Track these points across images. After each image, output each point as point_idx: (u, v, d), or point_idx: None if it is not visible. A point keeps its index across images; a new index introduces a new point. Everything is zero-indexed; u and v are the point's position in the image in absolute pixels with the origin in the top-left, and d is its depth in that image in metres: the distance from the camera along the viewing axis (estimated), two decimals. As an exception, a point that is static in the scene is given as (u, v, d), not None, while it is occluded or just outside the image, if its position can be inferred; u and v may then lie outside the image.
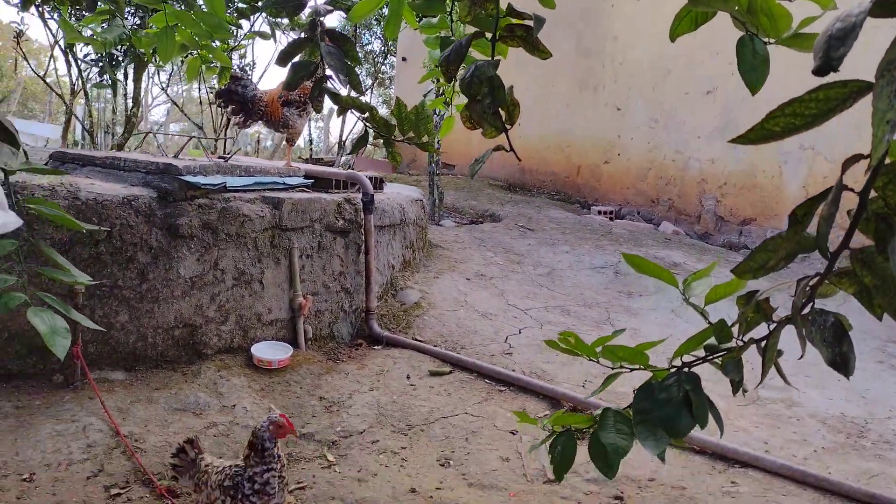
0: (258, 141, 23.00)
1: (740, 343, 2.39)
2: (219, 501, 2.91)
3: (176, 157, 5.69)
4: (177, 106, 14.85)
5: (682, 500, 3.73)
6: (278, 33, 6.44)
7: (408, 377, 5.23)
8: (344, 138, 17.45)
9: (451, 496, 3.83)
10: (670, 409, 2.44)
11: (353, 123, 20.06)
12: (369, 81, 18.57)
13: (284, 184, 5.70)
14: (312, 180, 6.11)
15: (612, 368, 2.79)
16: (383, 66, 19.71)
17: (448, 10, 2.96)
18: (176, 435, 4.23)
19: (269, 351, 5.16)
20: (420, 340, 5.82)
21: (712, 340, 2.55)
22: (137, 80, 11.64)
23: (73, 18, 8.70)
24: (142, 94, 12.46)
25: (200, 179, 4.95)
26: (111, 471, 3.87)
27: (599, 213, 11.31)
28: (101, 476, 3.82)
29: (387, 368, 5.34)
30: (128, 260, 4.73)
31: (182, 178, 4.88)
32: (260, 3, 4.27)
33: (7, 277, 3.05)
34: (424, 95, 8.46)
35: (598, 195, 12.10)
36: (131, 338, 4.80)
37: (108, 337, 4.74)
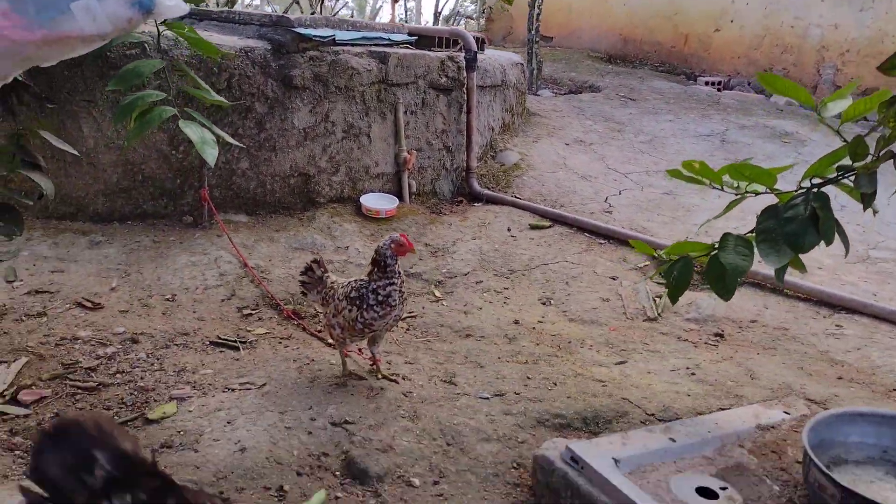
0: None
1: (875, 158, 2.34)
2: (346, 311, 3.18)
3: (286, 12, 5.79)
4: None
5: (784, 339, 3.77)
6: None
7: (508, 230, 5.37)
8: (439, 9, 17.07)
9: (553, 328, 4.02)
10: (796, 226, 2.45)
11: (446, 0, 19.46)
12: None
13: (389, 40, 5.73)
14: (416, 38, 6.11)
15: (737, 194, 2.80)
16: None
17: None
18: (297, 269, 4.57)
19: (377, 201, 5.40)
20: (519, 199, 5.91)
21: (845, 161, 2.51)
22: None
23: None
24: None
25: (311, 31, 5.05)
26: (242, 295, 4.26)
27: (706, 83, 10.79)
28: (233, 299, 4.22)
29: (488, 222, 5.49)
30: (246, 110, 4.97)
31: (294, 29, 5.00)
32: None
33: (158, 93, 3.30)
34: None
35: (706, 66, 11.50)
36: (251, 184, 5.12)
37: (230, 183, 5.08)
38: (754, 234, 2.59)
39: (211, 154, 3.03)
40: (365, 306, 3.13)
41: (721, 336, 3.85)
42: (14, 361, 3.33)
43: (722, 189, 2.75)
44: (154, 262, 4.46)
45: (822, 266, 4.75)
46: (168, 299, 4.13)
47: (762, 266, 4.45)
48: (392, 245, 3.12)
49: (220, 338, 3.75)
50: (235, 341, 3.73)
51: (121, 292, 4.13)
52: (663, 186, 6.42)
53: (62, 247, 4.51)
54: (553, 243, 5.18)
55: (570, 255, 4.98)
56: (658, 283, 4.54)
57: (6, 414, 2.95)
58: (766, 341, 3.79)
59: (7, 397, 3.07)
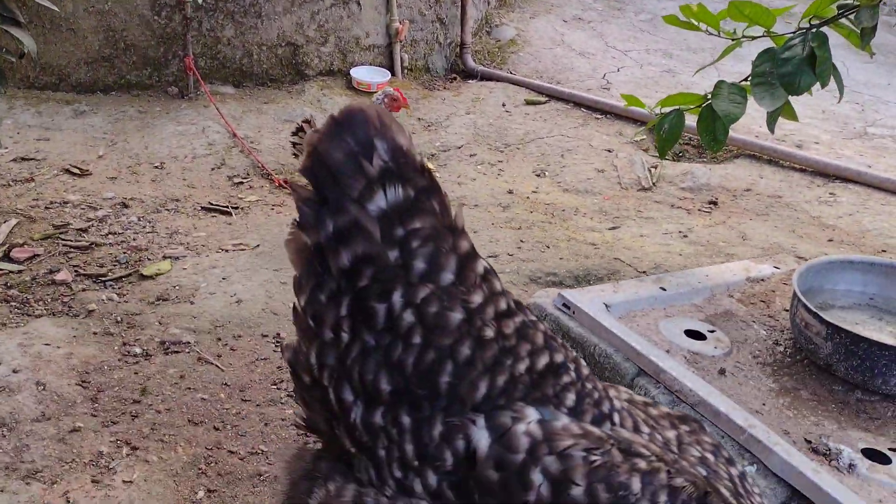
0: None
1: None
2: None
3: None
4: None
5: (778, 206, 3.78)
6: None
7: (503, 105, 5.26)
8: None
9: (547, 198, 4.01)
10: (791, 67, 2.39)
11: None
12: None
13: None
14: None
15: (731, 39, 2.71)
16: None
17: None
18: (287, 141, 4.48)
19: (368, 74, 5.24)
20: (514, 75, 5.76)
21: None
22: None
23: None
24: None
25: None
26: (232, 164, 4.20)
27: (710, -36, 10.33)
28: (223, 168, 4.16)
29: (482, 97, 5.37)
30: (229, -29, 4.72)
31: None
32: None
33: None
34: None
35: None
36: (238, 53, 4.94)
37: (216, 52, 4.90)
38: (749, 81, 2.54)
39: None
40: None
41: (715, 203, 3.85)
42: (4, 223, 3.31)
43: (719, 34, 2.66)
44: (141, 132, 4.36)
45: (818, 141, 4.70)
46: (157, 167, 4.06)
47: (759, 138, 4.41)
48: (385, 99, 3.05)
49: (211, 203, 3.72)
50: (227, 207, 3.70)
51: (108, 160, 4.06)
52: (662, 65, 6.25)
53: (46, 115, 4.40)
54: (549, 118, 5.09)
55: (566, 129, 4.90)
56: (654, 157, 4.51)
57: (0, 270, 2.95)
58: (760, 208, 3.80)
59: (1, 254, 3.06)
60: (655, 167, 4.28)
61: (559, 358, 1.17)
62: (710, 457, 1.21)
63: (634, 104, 2.92)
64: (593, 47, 6.50)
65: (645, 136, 4.66)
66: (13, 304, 2.73)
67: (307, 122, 3.40)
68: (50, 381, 2.21)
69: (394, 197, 1.05)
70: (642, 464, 1.07)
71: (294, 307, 1.14)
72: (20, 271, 2.96)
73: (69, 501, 1.81)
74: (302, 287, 1.12)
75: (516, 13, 6.96)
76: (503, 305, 1.14)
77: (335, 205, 1.06)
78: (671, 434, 1.23)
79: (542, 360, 1.14)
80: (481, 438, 1.07)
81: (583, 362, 1.24)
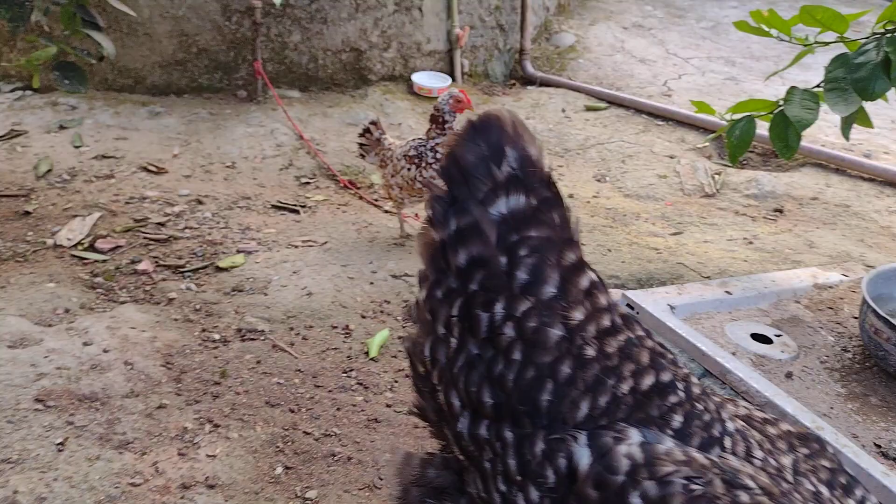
0: None
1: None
2: (404, 170, 3.23)
3: None
4: None
5: (846, 215, 3.72)
6: None
7: (563, 110, 5.29)
8: None
9: (608, 202, 4.02)
10: (865, 73, 2.37)
11: None
12: None
13: None
14: None
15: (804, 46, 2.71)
16: None
17: None
18: (352, 143, 4.60)
19: (428, 79, 5.34)
20: (574, 81, 5.78)
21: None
22: None
23: None
24: None
25: None
26: (299, 165, 4.34)
27: (773, -29, 10.16)
28: (291, 169, 4.30)
29: (541, 102, 5.41)
30: (298, -21, 4.88)
31: None
32: None
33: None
34: None
35: (774, -47, 10.80)
36: (304, 58, 5.10)
37: (283, 57, 5.06)
38: (822, 86, 2.53)
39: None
40: (423, 164, 3.16)
41: (780, 211, 3.81)
42: (88, 215, 3.49)
43: (790, 40, 2.66)
44: (213, 133, 4.54)
45: (888, 151, 4.59)
46: (228, 166, 4.23)
47: (826, 147, 4.34)
48: (451, 101, 3.12)
49: (280, 202, 3.85)
50: (295, 205, 3.83)
51: (183, 159, 4.24)
52: (725, 72, 6.19)
53: (124, 116, 4.61)
54: (609, 124, 5.10)
55: (627, 135, 4.91)
56: (717, 164, 4.48)
57: (86, 259, 3.12)
58: (827, 217, 3.74)
59: (86, 245, 3.24)
60: (719, 174, 4.26)
61: (666, 377, 1.14)
62: (825, 490, 1.15)
63: (704, 110, 2.93)
64: (654, 54, 6.48)
65: (709, 144, 4.63)
66: (99, 290, 2.89)
67: (374, 123, 3.49)
68: (137, 362, 2.34)
69: (515, 204, 1.07)
70: (744, 498, 1.03)
71: (416, 299, 1.18)
72: (105, 261, 3.12)
73: (158, 471, 1.92)
74: (425, 280, 1.15)
75: (575, 20, 6.99)
76: (606, 322, 1.12)
77: (461, 205, 1.09)
78: (787, 460, 1.17)
79: (648, 380, 1.12)
80: (582, 457, 1.07)
81: (694, 380, 1.20)
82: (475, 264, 1.08)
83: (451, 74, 5.58)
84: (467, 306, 1.10)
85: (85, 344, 2.39)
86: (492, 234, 1.06)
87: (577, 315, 1.09)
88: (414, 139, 3.28)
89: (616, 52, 6.38)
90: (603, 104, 5.38)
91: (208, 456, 2.00)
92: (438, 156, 3.13)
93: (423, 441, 2.17)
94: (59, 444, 1.96)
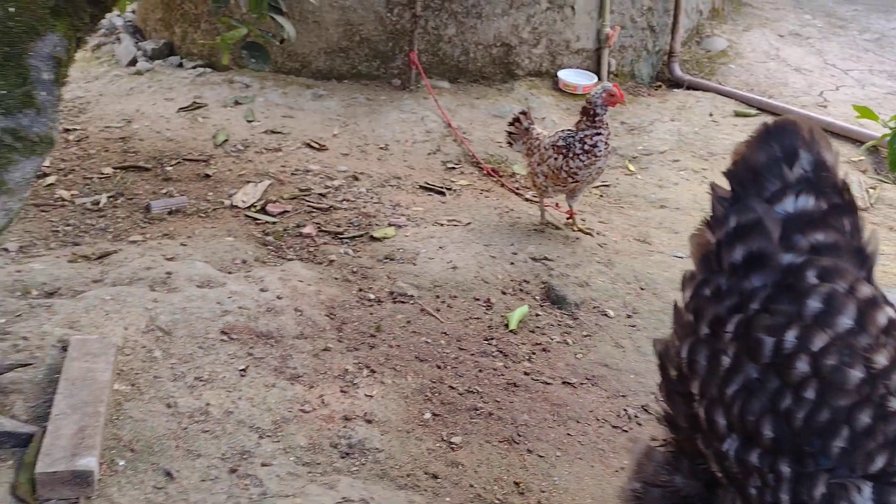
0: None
1: None
2: (551, 159, 3.35)
3: None
4: None
5: None
6: None
7: (710, 115, 5.22)
8: None
9: (752, 208, 3.96)
10: None
11: None
12: None
13: None
14: None
15: None
16: None
17: None
18: (496, 133, 4.79)
19: (574, 77, 5.43)
20: (724, 86, 5.68)
21: None
22: None
23: None
24: None
25: None
26: (446, 151, 4.57)
27: (954, -18, 9.40)
28: (438, 154, 4.54)
29: (688, 105, 5.36)
30: (458, -26, 5.12)
31: None
32: None
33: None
34: None
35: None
36: (456, 51, 5.33)
37: (437, 49, 5.32)
38: None
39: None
40: (571, 155, 3.27)
41: (941, 229, 3.63)
42: (260, 182, 3.87)
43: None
44: (368, 117, 4.86)
45: None
46: (382, 148, 4.52)
47: None
48: (604, 94, 3.21)
49: (427, 183, 4.09)
50: (441, 188, 4.05)
51: (341, 139, 4.58)
52: (888, 87, 5.86)
53: (290, 97, 5.02)
54: (757, 131, 4.98)
55: (775, 143, 4.78)
56: (872, 178, 4.30)
57: (258, 219, 3.48)
58: None
59: (258, 207, 3.60)
60: (874, 188, 4.09)
61: None
62: None
63: (867, 116, 2.86)
64: (810, 64, 6.24)
65: (865, 157, 4.45)
66: (270, 247, 3.23)
67: (524, 113, 3.64)
68: (305, 309, 2.62)
69: (804, 205, 1.06)
70: None
71: (675, 304, 1.19)
72: (274, 223, 3.47)
73: (324, 402, 2.17)
74: (690, 282, 1.15)
75: (728, 25, 6.83)
76: None
77: (744, 203, 1.10)
78: None
79: None
80: None
81: None
82: (754, 259, 1.05)
83: (598, 73, 5.63)
84: (748, 327, 1.05)
85: (261, 290, 2.69)
86: (775, 231, 1.04)
87: (881, 359, 1.01)
88: (563, 130, 3.40)
89: (770, 60, 6.19)
90: (753, 111, 5.25)
91: (366, 395, 2.23)
92: (586, 147, 3.23)
93: (559, 409, 2.31)
94: (241, 371, 2.25)
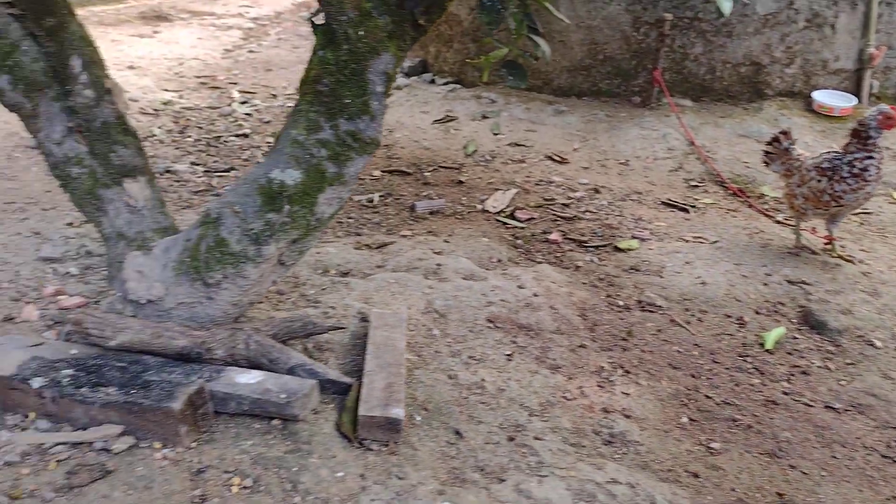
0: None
1: None
2: (813, 181, 3.24)
3: None
4: None
5: None
6: None
7: None
8: None
9: None
10: None
11: None
12: None
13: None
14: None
15: None
16: None
17: None
18: (742, 153, 4.68)
19: (830, 98, 5.12)
20: None
21: None
22: None
23: None
24: None
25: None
26: (688, 169, 4.55)
27: None
28: (680, 171, 4.53)
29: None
30: (710, -6, 5.07)
31: None
32: None
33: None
34: None
35: None
36: (702, 69, 5.27)
37: (681, 67, 5.30)
38: None
39: (726, 5, 3.19)
40: (836, 178, 3.14)
41: None
42: (507, 190, 4.14)
43: None
44: (608, 133, 4.98)
45: None
46: (622, 163, 4.62)
47: None
48: (880, 116, 3.04)
49: (669, 199, 4.11)
50: (685, 204, 4.05)
51: (581, 153, 4.74)
52: None
53: (533, 112, 5.29)
54: None
55: None
56: None
57: (508, 224, 3.74)
58: None
59: (507, 213, 3.87)
60: None
61: None
62: None
63: None
64: None
65: None
66: (520, 250, 3.46)
67: (784, 133, 3.54)
68: (559, 308, 2.80)
69: None
70: None
71: None
72: (522, 228, 3.70)
73: (583, 393, 2.32)
74: None
75: None
76: None
77: None
78: None
79: None
80: None
81: None
82: None
83: (857, 95, 5.27)
84: None
85: (518, 287, 2.92)
86: None
87: None
88: (829, 151, 3.27)
89: None
90: None
91: (623, 393, 2.35)
92: (855, 171, 3.09)
93: (822, 430, 2.25)
94: (507, 355, 2.48)
